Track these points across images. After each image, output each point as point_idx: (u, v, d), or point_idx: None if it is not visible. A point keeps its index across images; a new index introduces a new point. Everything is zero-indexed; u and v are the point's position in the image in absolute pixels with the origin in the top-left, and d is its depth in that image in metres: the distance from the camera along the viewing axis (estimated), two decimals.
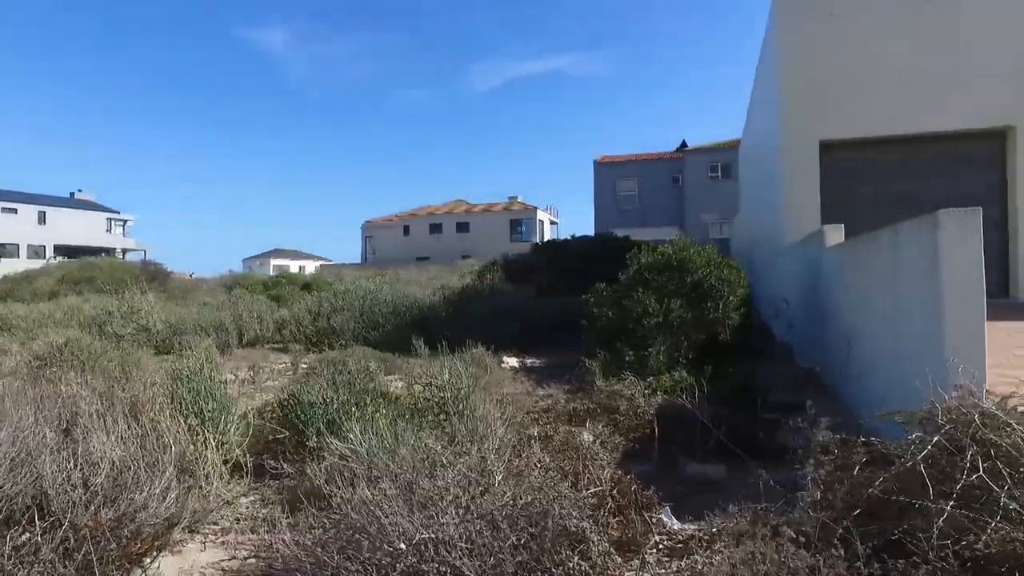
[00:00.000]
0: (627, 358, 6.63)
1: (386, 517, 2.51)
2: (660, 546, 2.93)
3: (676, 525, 3.21)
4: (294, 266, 62.24)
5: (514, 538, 2.37)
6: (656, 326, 6.51)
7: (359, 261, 52.62)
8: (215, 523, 3.63)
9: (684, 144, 40.87)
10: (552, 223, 56.29)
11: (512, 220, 52.33)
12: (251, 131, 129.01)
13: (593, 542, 2.46)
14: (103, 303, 12.76)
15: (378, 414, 4.96)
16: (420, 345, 9.23)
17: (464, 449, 3.59)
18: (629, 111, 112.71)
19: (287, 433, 4.32)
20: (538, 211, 52.74)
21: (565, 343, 9.41)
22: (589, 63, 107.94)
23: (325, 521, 2.83)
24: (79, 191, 67.09)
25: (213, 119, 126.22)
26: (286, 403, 4.67)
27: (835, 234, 6.86)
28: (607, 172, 40.85)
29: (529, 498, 2.64)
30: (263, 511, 3.74)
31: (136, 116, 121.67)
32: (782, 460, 4.83)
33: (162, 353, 9.34)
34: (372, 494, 2.70)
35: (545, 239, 54.12)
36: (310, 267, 64.05)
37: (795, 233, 10.59)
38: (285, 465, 4.10)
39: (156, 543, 3.12)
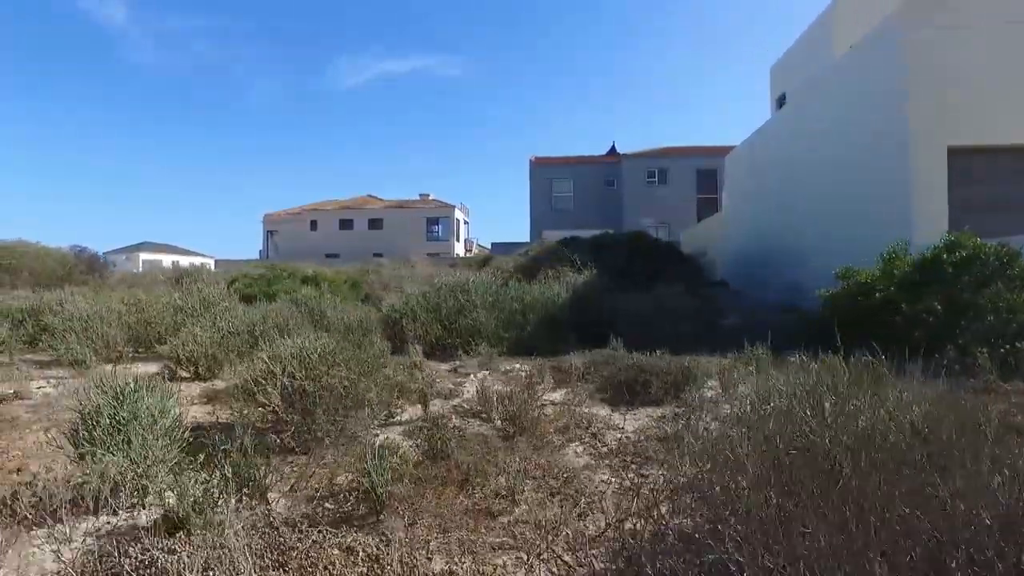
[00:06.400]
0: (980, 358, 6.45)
1: None
2: None
3: None
4: (167, 261, 55.09)
5: None
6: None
7: (258, 257, 47.81)
8: None
9: (614, 148, 42.28)
10: (465, 222, 55.37)
11: (428, 218, 50.66)
12: (97, 115, 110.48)
13: None
14: (147, 296, 10.06)
15: None
16: (618, 343, 8.86)
17: None
18: (504, 116, 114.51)
19: None
20: (455, 209, 51.60)
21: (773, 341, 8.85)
22: (461, 64, 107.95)
23: None
24: None
25: (54, 100, 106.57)
26: None
27: None
28: (542, 172, 40.96)
29: None
30: None
31: None
32: None
33: None
34: None
35: (463, 238, 53.12)
36: (185, 262, 56.98)
37: (926, 235, 11.21)
38: None
39: None
